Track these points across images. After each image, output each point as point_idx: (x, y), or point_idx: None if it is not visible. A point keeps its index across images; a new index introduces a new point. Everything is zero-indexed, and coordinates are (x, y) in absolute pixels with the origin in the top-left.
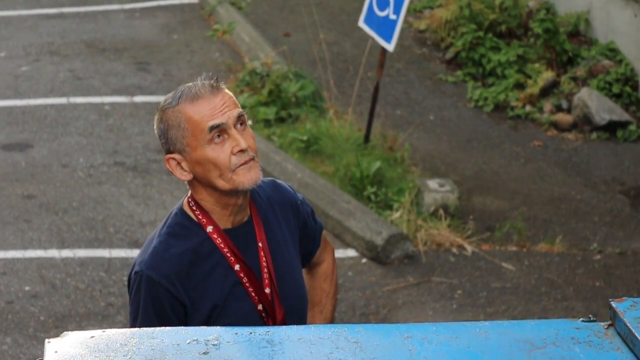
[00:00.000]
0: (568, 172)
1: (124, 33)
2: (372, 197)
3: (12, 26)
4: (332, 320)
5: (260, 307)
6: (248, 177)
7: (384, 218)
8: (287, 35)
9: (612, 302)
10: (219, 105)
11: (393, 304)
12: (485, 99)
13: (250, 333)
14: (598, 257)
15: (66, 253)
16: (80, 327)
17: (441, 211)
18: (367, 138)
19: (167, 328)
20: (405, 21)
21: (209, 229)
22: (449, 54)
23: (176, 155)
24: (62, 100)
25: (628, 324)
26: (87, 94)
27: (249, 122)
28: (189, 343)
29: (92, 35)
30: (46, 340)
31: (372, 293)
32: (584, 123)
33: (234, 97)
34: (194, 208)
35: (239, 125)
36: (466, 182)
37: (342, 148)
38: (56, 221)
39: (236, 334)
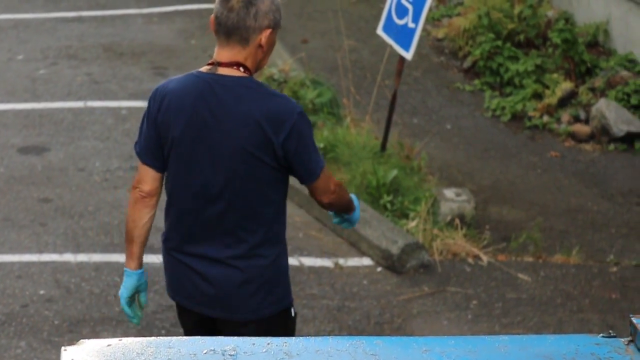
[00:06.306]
0: (585, 183)
1: (141, 37)
2: (388, 205)
3: (30, 29)
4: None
5: None
6: None
7: (399, 227)
8: (305, 42)
9: (632, 318)
10: None
11: (408, 314)
12: (503, 108)
13: (268, 344)
14: (614, 269)
15: (81, 257)
16: (95, 332)
17: (457, 221)
18: (383, 146)
19: (183, 338)
20: (424, 29)
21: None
22: (467, 63)
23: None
24: (79, 104)
25: None
26: (105, 98)
27: None
28: (205, 353)
29: (110, 39)
30: (62, 347)
31: (387, 302)
32: (602, 134)
33: None
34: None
35: None
36: (483, 191)
37: (359, 156)
38: (72, 225)
39: (253, 344)
